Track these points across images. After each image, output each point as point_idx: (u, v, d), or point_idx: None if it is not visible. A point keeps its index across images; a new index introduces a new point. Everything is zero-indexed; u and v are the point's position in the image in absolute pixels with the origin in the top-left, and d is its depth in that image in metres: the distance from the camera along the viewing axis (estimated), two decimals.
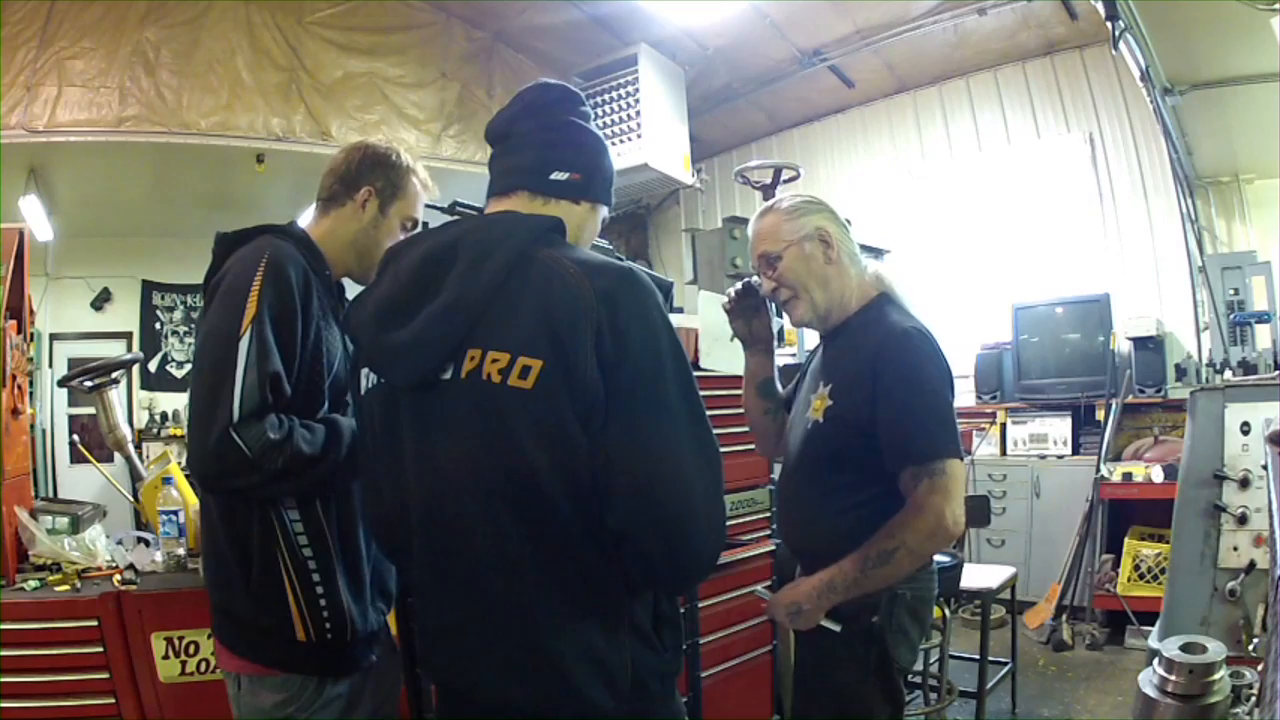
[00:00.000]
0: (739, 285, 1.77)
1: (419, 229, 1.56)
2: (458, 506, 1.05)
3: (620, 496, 0.99)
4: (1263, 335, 4.07)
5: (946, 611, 2.90)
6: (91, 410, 2.76)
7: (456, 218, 2.02)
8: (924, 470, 1.43)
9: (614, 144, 4.93)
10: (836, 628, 1.50)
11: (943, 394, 1.50)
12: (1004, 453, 4.94)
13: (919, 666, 3.08)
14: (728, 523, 1.08)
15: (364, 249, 1.53)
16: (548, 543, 1.02)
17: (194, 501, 2.08)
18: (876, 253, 3.62)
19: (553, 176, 1.15)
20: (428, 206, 1.66)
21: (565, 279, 1.02)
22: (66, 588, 2.01)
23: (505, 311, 1.03)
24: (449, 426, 1.05)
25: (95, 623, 1.90)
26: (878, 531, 1.44)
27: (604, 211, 1.23)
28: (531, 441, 1.00)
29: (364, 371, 1.17)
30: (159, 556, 2.08)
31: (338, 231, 1.54)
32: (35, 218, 4.92)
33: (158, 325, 6.84)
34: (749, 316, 1.79)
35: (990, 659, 3.11)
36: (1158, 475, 4.07)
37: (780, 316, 1.87)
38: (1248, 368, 3.82)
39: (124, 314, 6.73)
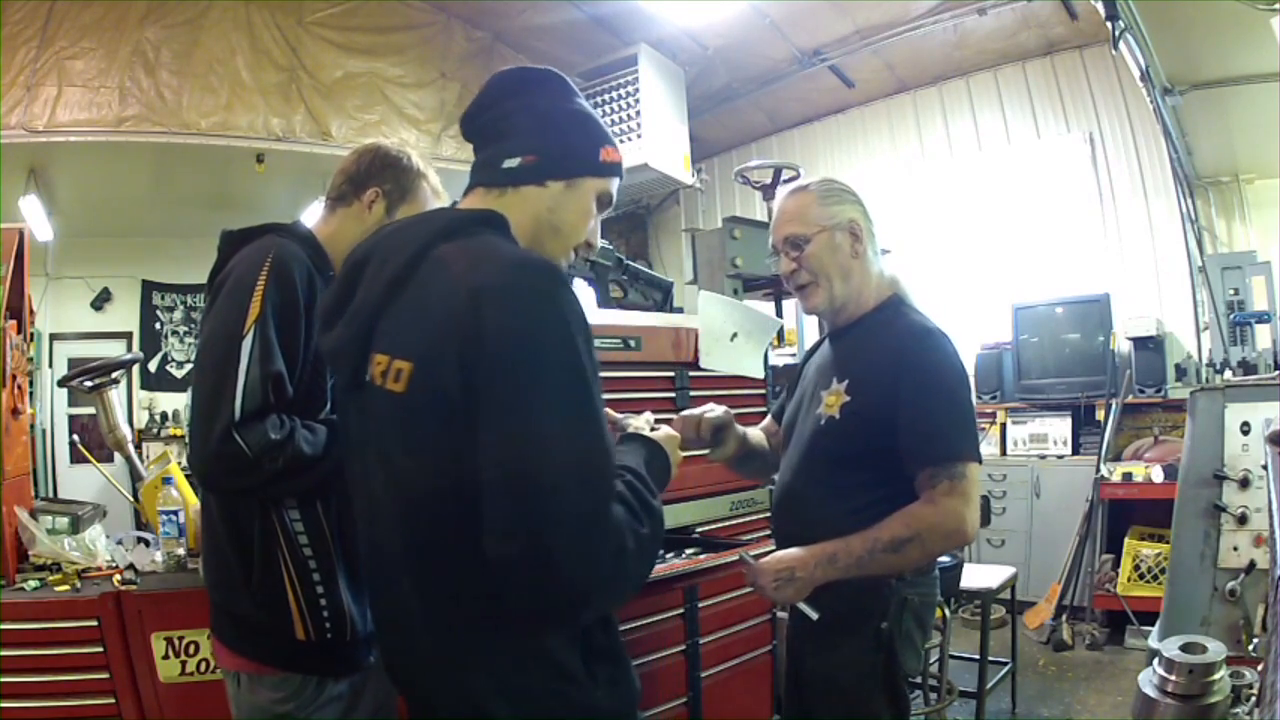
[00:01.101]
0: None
1: None
2: (377, 513, 1.05)
3: (487, 512, 0.88)
4: (1263, 335, 4.07)
5: (946, 611, 2.90)
6: (91, 410, 2.76)
7: None
8: (943, 471, 1.41)
9: None
10: (815, 615, 1.46)
11: (966, 396, 1.49)
12: (1004, 453, 4.94)
13: None
14: (646, 545, 0.94)
15: None
16: (444, 562, 0.95)
17: (194, 501, 2.08)
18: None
19: (505, 165, 1.09)
20: None
21: (445, 276, 0.96)
22: (66, 588, 2.01)
23: (396, 314, 1.00)
24: (364, 431, 1.05)
25: (95, 623, 1.90)
26: (891, 517, 1.41)
27: (591, 184, 1.13)
28: (408, 448, 0.97)
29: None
30: (159, 556, 2.08)
31: (344, 231, 1.53)
32: (35, 218, 4.92)
33: (158, 325, 6.85)
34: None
35: (990, 659, 3.11)
36: (1158, 475, 4.07)
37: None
38: (1248, 368, 3.82)
39: (124, 314, 6.74)
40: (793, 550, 1.48)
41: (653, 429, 1.23)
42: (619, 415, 1.29)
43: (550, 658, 0.96)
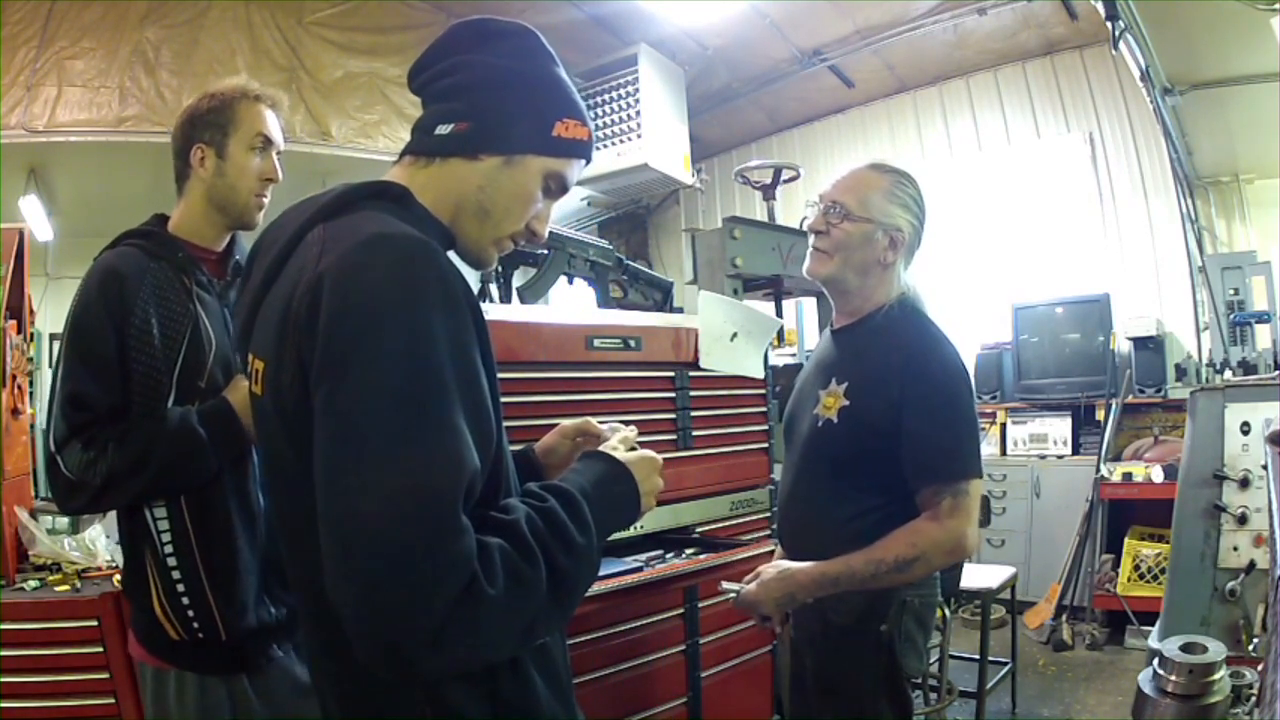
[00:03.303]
0: None
1: (274, 144, 1.54)
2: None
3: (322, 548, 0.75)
4: (1263, 335, 4.08)
5: (946, 611, 2.90)
6: None
7: None
8: (948, 488, 1.40)
9: (614, 144, 4.93)
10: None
11: (970, 409, 1.48)
12: (1004, 453, 4.94)
13: None
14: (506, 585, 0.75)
15: (222, 202, 1.51)
16: (324, 605, 0.76)
17: None
18: None
19: (437, 131, 0.93)
20: None
21: (305, 261, 0.83)
22: (66, 588, 2.01)
23: (265, 308, 0.89)
24: (259, 441, 0.98)
25: (95, 623, 1.90)
26: (893, 535, 1.40)
27: (536, 163, 0.95)
28: (270, 465, 0.89)
29: None
30: None
31: (191, 203, 1.53)
32: (35, 218, 4.92)
33: None
34: None
35: (990, 659, 3.11)
36: (1158, 475, 4.07)
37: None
38: (1248, 368, 3.83)
39: None
40: (792, 572, 1.46)
41: (631, 448, 1.03)
42: (603, 426, 1.13)
43: (442, 703, 0.83)
